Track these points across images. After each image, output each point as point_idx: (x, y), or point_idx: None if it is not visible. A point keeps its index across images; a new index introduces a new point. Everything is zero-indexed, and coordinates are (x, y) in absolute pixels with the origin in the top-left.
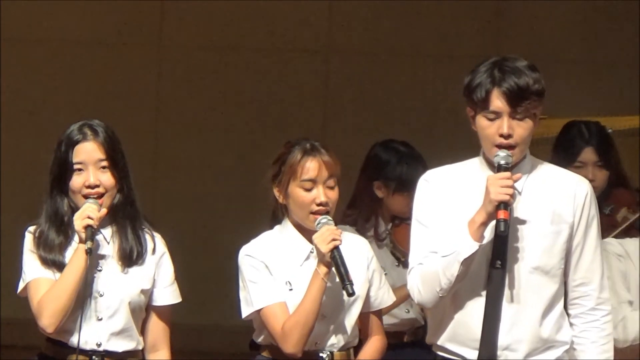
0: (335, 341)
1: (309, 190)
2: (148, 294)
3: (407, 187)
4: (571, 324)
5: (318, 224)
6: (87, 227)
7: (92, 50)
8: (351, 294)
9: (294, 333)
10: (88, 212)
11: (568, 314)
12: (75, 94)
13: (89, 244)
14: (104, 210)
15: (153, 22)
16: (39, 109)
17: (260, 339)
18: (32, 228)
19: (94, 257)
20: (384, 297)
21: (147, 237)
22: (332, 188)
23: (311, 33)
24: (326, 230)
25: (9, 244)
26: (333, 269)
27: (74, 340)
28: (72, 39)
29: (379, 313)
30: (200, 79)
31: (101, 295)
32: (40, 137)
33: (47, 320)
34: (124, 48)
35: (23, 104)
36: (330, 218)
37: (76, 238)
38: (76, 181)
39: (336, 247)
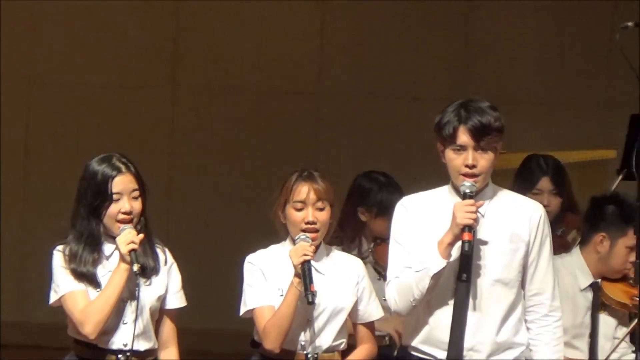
0: (320, 344)
1: (299, 210)
2: (162, 299)
3: (387, 211)
4: (527, 328)
5: (297, 239)
6: (132, 252)
7: (112, 91)
8: (310, 302)
9: (272, 332)
10: (131, 238)
11: (525, 319)
12: (97, 130)
13: (136, 266)
14: (141, 235)
15: (167, 66)
16: (65, 145)
17: (256, 337)
18: (60, 247)
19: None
20: (372, 311)
21: (159, 250)
22: (321, 210)
23: (303, 76)
24: (300, 247)
25: (35, 258)
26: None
27: (111, 342)
28: (94, 81)
29: (369, 325)
30: (209, 118)
31: (126, 303)
32: (65, 168)
33: (91, 329)
34: (141, 89)
35: (50, 142)
36: (307, 236)
37: (107, 254)
38: (114, 209)
39: (306, 261)
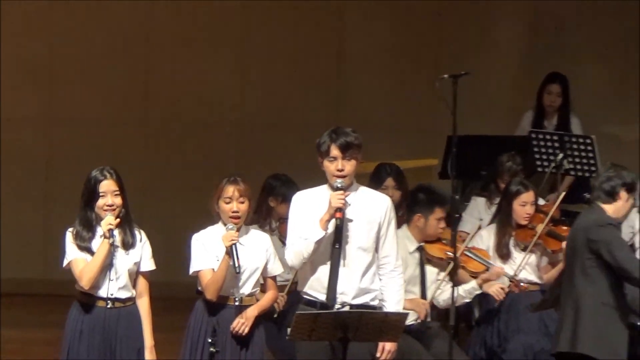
0: (244, 291)
1: (227, 203)
2: (137, 264)
3: (288, 200)
4: (380, 279)
5: (227, 227)
6: (110, 230)
7: (103, 127)
8: (237, 272)
9: (210, 288)
10: (109, 221)
11: (378, 273)
12: (97, 151)
13: (111, 240)
14: (117, 220)
15: (139, 104)
16: (75, 163)
17: (200, 288)
18: (70, 229)
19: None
20: (275, 269)
21: (136, 231)
22: (242, 203)
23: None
24: (228, 234)
25: (57, 231)
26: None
27: (100, 292)
28: (94, 119)
29: (273, 278)
30: (177, 146)
31: (112, 266)
32: (74, 178)
33: (85, 283)
34: (119, 126)
35: (66, 161)
36: (235, 225)
37: (99, 234)
38: (101, 202)
39: (233, 244)
